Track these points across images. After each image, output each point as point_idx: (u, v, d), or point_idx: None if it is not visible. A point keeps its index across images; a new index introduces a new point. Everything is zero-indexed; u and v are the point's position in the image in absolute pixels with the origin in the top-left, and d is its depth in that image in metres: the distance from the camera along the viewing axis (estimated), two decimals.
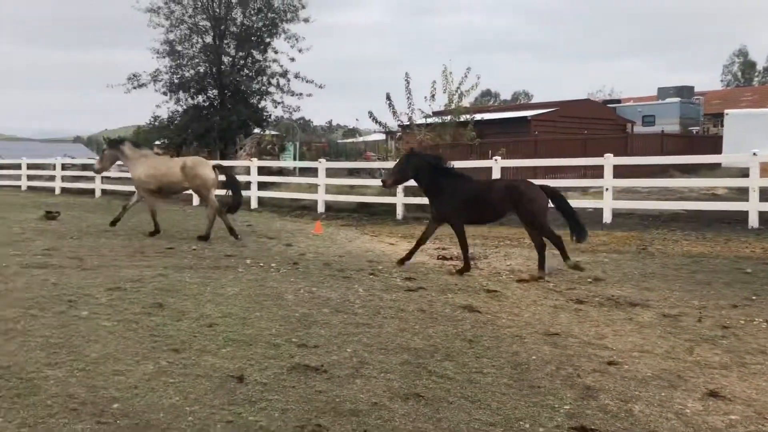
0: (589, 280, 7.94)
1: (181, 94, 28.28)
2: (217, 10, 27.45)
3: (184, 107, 28.57)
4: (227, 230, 11.53)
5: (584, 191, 16.40)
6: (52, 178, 26.39)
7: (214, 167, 12.51)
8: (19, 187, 26.89)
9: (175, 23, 27.62)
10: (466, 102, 23.87)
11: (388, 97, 21.85)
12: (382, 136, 37.97)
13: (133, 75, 27.57)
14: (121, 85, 27.61)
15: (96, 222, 13.69)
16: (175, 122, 28.64)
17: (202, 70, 28.13)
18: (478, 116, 23.81)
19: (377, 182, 17.72)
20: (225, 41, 27.95)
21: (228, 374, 4.41)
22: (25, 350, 4.74)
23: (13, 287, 6.90)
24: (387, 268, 8.79)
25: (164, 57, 27.83)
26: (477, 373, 4.57)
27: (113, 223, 12.48)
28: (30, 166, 27.79)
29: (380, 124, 23.45)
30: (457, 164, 10.69)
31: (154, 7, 27.23)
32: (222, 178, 12.30)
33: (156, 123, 30.30)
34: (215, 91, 28.47)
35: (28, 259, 8.72)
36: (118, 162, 13.16)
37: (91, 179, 24.25)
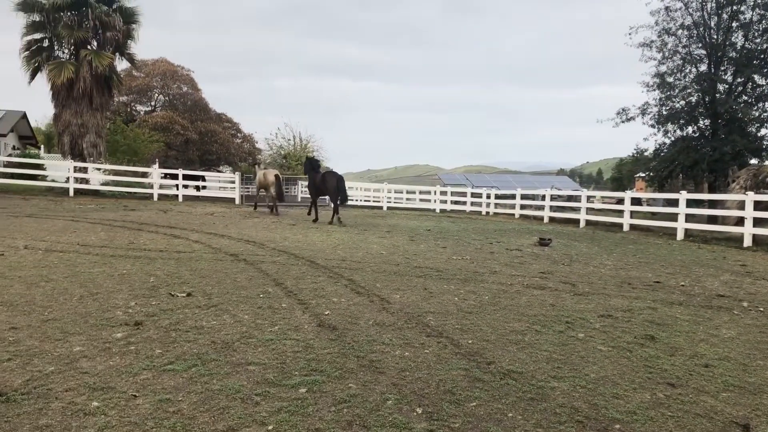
0: None
1: (669, 126, 27.65)
2: (715, 36, 26.03)
3: (672, 139, 27.82)
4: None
5: None
6: (540, 207, 28.78)
7: (275, 175, 22.91)
8: (513, 214, 30.04)
9: (667, 55, 27.29)
10: None
11: None
12: None
13: (622, 109, 28.22)
14: (610, 119, 28.50)
15: (583, 251, 14.43)
16: (661, 154, 28.09)
17: (693, 100, 27.02)
18: None
19: None
20: (721, 68, 26.29)
21: (731, 420, 4.19)
22: (533, 360, 5.36)
23: (517, 303, 7.82)
24: None
25: (654, 90, 27.69)
26: None
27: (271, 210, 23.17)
28: (522, 197, 30.78)
29: None
30: None
31: (647, 41, 27.44)
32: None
33: (638, 155, 30.28)
34: (707, 121, 26.99)
35: (527, 280, 9.75)
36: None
37: (576, 210, 25.63)
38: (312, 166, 20.91)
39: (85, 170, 28.40)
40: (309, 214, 21.25)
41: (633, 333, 6.47)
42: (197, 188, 31.93)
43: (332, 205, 20.78)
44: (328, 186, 20.10)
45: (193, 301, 7.13)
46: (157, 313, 6.48)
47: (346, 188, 21.12)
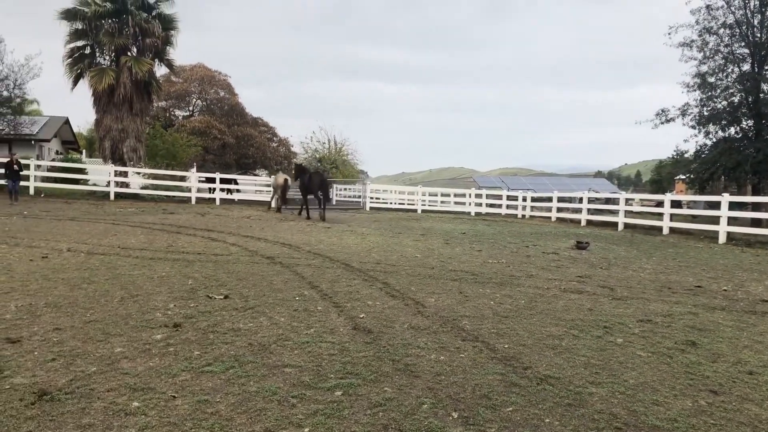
0: None
1: (711, 127, 27.05)
2: (758, 35, 25.39)
3: (713, 140, 27.21)
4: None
5: None
6: (577, 210, 28.42)
7: (284, 179, 25.06)
8: (549, 217, 29.73)
9: (708, 55, 26.70)
10: None
11: None
12: None
13: (662, 110, 27.68)
14: (649, 121, 28.00)
15: (621, 254, 14.21)
16: (702, 156, 27.51)
17: (736, 100, 26.38)
18: None
19: None
20: (765, 67, 25.62)
21: None
22: (570, 366, 5.29)
23: (554, 308, 7.74)
24: None
25: (694, 90, 27.13)
26: None
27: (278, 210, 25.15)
28: (559, 199, 30.41)
29: None
30: None
31: (687, 41, 26.90)
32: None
33: (678, 157, 29.74)
34: (750, 122, 26.32)
35: (564, 284, 9.64)
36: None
37: (614, 213, 25.27)
38: (301, 170, 23.99)
39: (125, 174, 28.99)
40: (299, 214, 23.31)
41: (673, 338, 6.35)
42: (228, 191, 32.13)
43: (319, 204, 22.77)
44: (313, 184, 22.29)
45: (230, 304, 7.22)
46: (196, 315, 6.58)
47: (329, 189, 24.15)
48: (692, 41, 26.88)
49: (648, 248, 15.96)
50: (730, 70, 26.63)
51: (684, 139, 29.45)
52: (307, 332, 6.04)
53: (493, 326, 6.56)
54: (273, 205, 26.13)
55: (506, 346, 5.78)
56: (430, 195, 40.47)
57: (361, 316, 6.79)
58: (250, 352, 5.34)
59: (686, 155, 29.61)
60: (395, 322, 6.55)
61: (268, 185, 32.64)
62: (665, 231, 21.51)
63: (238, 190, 33.94)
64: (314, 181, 22.52)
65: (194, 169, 31.30)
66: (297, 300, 7.55)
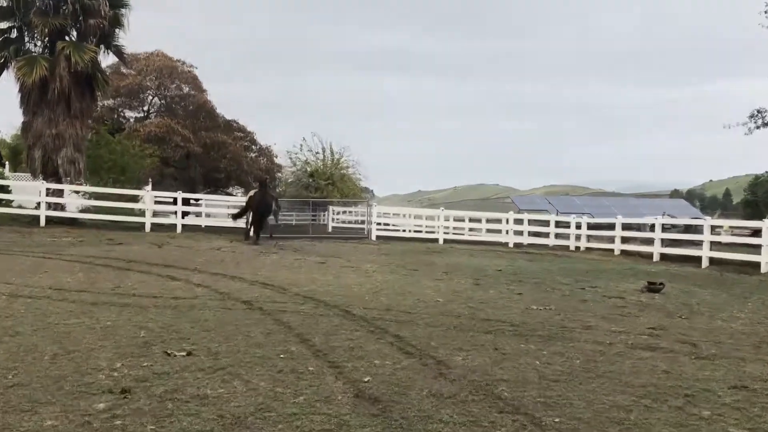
0: None
1: None
2: None
3: None
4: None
5: None
6: (648, 240, 28.32)
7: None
8: (612, 250, 29.64)
9: None
10: None
11: None
12: None
13: (758, 111, 27.60)
14: (741, 124, 27.91)
15: (706, 299, 14.14)
16: None
17: None
18: None
19: None
20: None
21: None
22: None
23: (619, 370, 7.70)
24: None
25: None
26: None
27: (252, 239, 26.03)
28: (623, 227, 30.27)
29: None
30: None
31: None
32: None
33: None
34: None
35: (632, 338, 9.59)
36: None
37: (697, 244, 25.17)
38: (264, 184, 28.33)
39: (60, 193, 29.17)
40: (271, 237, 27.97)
41: None
42: (184, 214, 31.85)
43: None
44: (253, 201, 26.26)
45: (194, 363, 7.22)
46: (150, 378, 6.58)
47: (278, 210, 28.24)
48: None
49: (742, 291, 15.88)
50: None
51: None
52: (294, 401, 6.02)
53: (539, 394, 6.53)
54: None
55: (556, 420, 5.75)
56: (455, 220, 40.57)
57: (366, 379, 6.77)
58: (220, 426, 5.32)
59: None
60: (411, 388, 6.53)
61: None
62: (764, 269, 21.38)
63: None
64: (255, 198, 26.25)
65: (149, 187, 31.54)
66: (282, 358, 7.54)
